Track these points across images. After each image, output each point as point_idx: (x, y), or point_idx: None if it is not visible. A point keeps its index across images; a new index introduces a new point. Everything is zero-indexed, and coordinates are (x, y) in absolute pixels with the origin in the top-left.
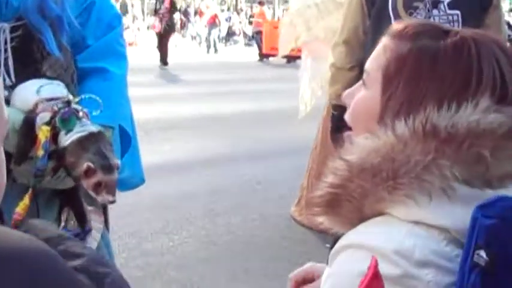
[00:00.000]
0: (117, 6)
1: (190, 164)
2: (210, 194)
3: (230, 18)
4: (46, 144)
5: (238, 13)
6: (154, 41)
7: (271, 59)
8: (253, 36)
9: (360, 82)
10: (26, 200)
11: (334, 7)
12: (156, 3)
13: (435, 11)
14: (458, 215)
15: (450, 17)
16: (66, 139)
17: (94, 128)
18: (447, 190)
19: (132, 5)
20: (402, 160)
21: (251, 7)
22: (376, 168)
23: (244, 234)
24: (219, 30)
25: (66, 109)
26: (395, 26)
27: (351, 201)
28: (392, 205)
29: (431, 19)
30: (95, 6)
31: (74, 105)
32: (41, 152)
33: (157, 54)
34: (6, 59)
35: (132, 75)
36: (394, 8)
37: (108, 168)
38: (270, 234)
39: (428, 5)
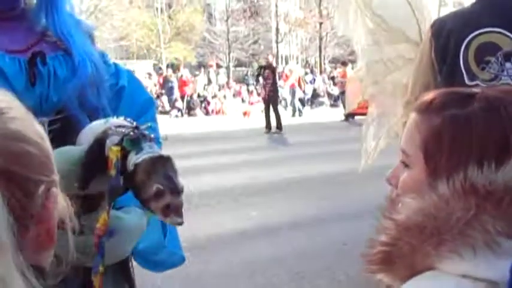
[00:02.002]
0: (203, 76)
1: (278, 227)
2: (296, 257)
3: (314, 80)
4: (117, 163)
5: (322, 74)
6: (240, 107)
7: (356, 118)
8: (338, 97)
9: (400, 163)
10: (105, 215)
11: (402, 63)
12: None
13: (508, 64)
14: (505, 268)
15: None
16: (137, 157)
17: (162, 152)
18: (491, 244)
19: (218, 73)
20: (444, 217)
21: (335, 67)
22: (421, 226)
23: None
24: (304, 93)
25: (136, 131)
26: (421, 100)
27: (402, 259)
28: (439, 260)
29: (505, 72)
30: (124, 92)
31: (142, 130)
32: (113, 171)
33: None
34: None
35: (220, 143)
36: (466, 63)
37: (177, 191)
38: None
39: (500, 59)
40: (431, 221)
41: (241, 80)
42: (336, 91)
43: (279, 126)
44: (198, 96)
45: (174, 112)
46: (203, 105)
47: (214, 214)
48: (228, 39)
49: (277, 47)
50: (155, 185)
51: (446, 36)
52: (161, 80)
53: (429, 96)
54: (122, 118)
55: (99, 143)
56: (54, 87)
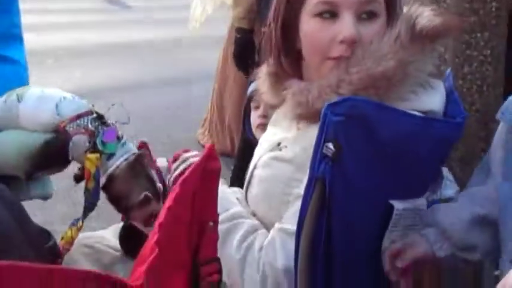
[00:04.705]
0: None
1: (100, 90)
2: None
3: None
4: (97, 173)
5: None
6: None
7: None
8: None
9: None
10: (74, 232)
11: None
12: None
13: None
14: (437, 100)
15: None
16: (111, 164)
17: (134, 148)
18: (430, 83)
19: None
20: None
21: None
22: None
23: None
24: None
25: (106, 129)
26: None
27: None
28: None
29: None
30: None
31: (108, 121)
32: (92, 184)
33: None
34: None
35: (44, 2)
36: None
37: (160, 195)
38: None
39: None
40: (402, 69)
41: None
42: None
43: None
44: None
45: None
46: None
47: (37, 73)
48: None
49: None
50: (143, 192)
51: None
52: None
53: None
54: (69, 96)
55: (58, 143)
56: None
